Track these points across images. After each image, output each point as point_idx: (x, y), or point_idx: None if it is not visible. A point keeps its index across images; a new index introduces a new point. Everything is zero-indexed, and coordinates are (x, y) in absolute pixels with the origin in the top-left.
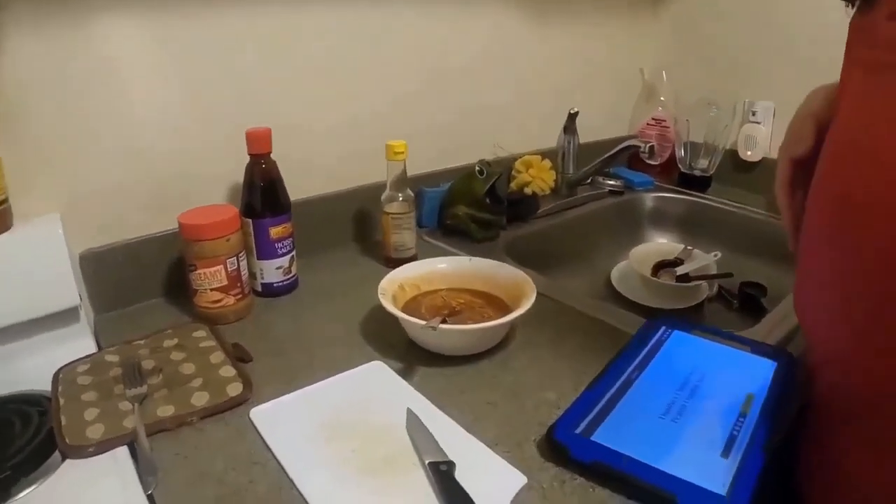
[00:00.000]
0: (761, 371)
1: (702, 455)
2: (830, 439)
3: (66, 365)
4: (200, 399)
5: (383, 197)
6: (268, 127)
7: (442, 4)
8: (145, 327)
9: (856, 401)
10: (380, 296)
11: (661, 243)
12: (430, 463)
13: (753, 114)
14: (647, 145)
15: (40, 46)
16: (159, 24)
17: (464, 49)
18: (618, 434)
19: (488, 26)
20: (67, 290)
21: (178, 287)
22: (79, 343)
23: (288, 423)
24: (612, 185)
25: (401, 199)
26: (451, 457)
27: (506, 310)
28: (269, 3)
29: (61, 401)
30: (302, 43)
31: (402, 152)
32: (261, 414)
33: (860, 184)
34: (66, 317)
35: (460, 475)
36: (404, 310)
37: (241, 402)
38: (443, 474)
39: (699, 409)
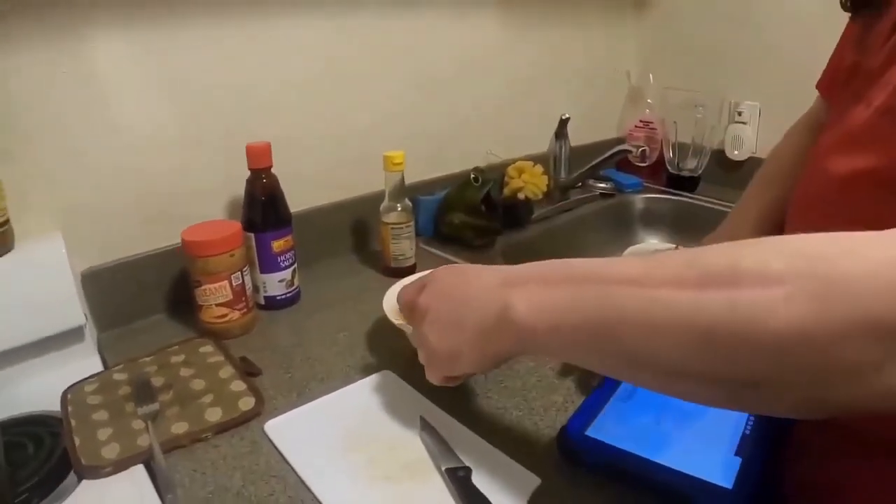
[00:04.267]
0: None
1: (714, 453)
2: (817, 440)
3: (73, 385)
4: (213, 415)
5: (382, 207)
6: (267, 141)
7: (431, 16)
8: (150, 344)
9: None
10: (385, 310)
11: (654, 244)
12: (447, 469)
13: (739, 114)
14: (640, 149)
15: (35, 65)
16: (152, 42)
17: (454, 58)
18: (627, 433)
19: (476, 35)
20: (72, 309)
21: (180, 303)
22: (85, 362)
23: (303, 435)
24: (602, 188)
25: (399, 209)
26: (466, 462)
27: None
28: (260, 18)
29: (73, 421)
30: (294, 56)
31: (400, 163)
32: (275, 427)
33: None
34: (71, 336)
35: (476, 479)
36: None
37: (254, 416)
38: (461, 480)
39: (708, 409)
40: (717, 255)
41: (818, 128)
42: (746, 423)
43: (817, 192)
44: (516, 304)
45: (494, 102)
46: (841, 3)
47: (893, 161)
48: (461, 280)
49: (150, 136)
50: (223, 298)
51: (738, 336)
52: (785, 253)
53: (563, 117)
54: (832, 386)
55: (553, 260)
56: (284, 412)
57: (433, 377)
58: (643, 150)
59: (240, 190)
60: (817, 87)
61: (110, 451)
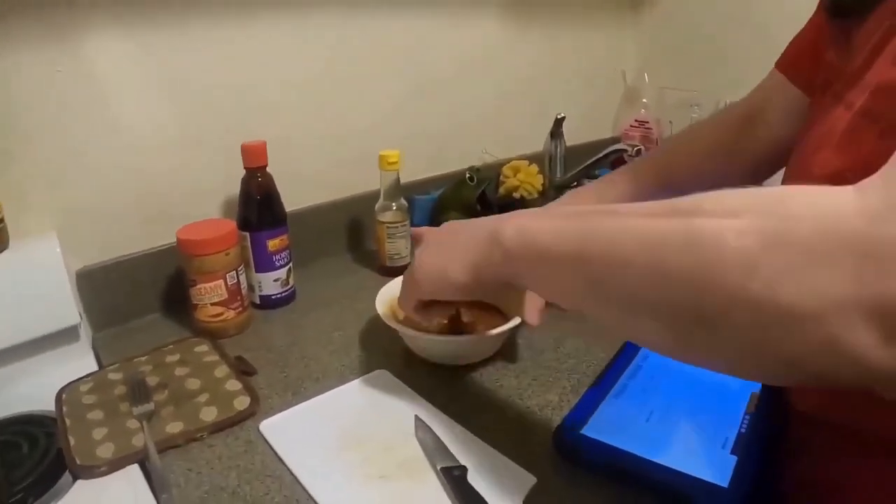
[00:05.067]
0: None
1: (710, 451)
2: (816, 438)
3: (68, 384)
4: (209, 414)
5: (377, 206)
6: (263, 140)
7: (428, 16)
8: (145, 343)
9: (839, 401)
10: (379, 311)
11: None
12: (442, 468)
13: None
14: (635, 149)
15: (34, 65)
16: (151, 42)
17: (449, 58)
18: (623, 431)
19: (471, 35)
20: (67, 308)
21: (174, 302)
22: (79, 362)
23: (298, 434)
24: None
25: (395, 208)
26: (462, 461)
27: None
28: (258, 18)
29: (68, 421)
30: (292, 57)
31: (396, 162)
32: (271, 426)
33: None
34: (65, 336)
35: (472, 479)
36: (405, 322)
37: (250, 416)
38: (457, 479)
39: (704, 406)
40: (688, 196)
41: (740, 127)
42: (742, 421)
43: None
44: (506, 229)
45: (490, 102)
46: (826, 7)
47: (870, 162)
48: (466, 222)
49: (149, 135)
50: (218, 298)
51: (689, 262)
52: (747, 193)
53: (559, 116)
54: (781, 331)
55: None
56: (280, 412)
57: (408, 301)
58: (639, 150)
59: (237, 190)
60: (776, 66)
61: (105, 451)
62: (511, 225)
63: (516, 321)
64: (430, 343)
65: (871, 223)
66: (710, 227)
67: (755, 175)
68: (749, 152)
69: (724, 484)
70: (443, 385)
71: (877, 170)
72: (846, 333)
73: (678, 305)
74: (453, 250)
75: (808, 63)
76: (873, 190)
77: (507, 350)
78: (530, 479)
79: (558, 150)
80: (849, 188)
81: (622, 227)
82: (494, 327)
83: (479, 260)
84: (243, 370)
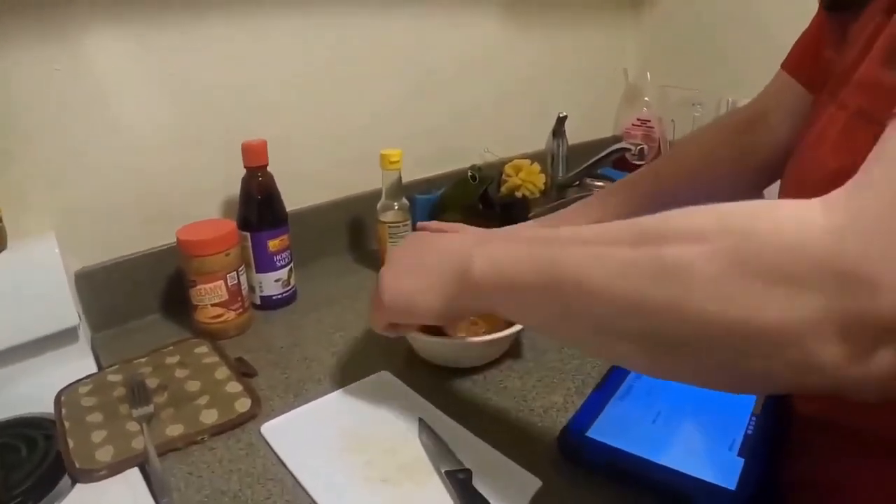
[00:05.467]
0: None
1: (716, 454)
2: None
3: (67, 386)
4: (209, 416)
5: (379, 206)
6: (263, 139)
7: (429, 15)
8: (145, 345)
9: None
10: None
11: None
12: (446, 472)
13: None
14: (637, 148)
15: (30, 64)
16: (149, 40)
17: (451, 56)
18: (629, 433)
19: (473, 34)
20: (66, 309)
21: (174, 303)
22: (79, 363)
23: (300, 437)
24: (599, 187)
25: (396, 207)
26: (466, 464)
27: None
28: (257, 17)
29: (67, 424)
30: (292, 55)
31: (397, 161)
32: (272, 429)
33: None
34: (64, 337)
35: (477, 482)
36: None
37: (251, 418)
38: (461, 482)
39: (710, 407)
40: (654, 217)
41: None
42: (748, 423)
43: (805, 187)
44: (475, 262)
45: (492, 101)
46: (822, 1)
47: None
48: (433, 237)
49: (149, 135)
50: (218, 298)
51: (660, 292)
52: (715, 212)
53: (561, 115)
54: (757, 351)
55: (526, 224)
56: (281, 414)
57: (378, 322)
58: (641, 149)
59: (237, 189)
60: (782, 66)
61: (105, 454)
62: (481, 257)
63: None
64: (436, 346)
65: (837, 243)
66: (678, 255)
67: (762, 178)
68: (757, 155)
69: (732, 486)
70: (445, 386)
71: None
72: (817, 351)
73: (652, 332)
74: (420, 277)
75: (810, 62)
76: (837, 207)
77: (511, 348)
78: (536, 483)
79: (560, 148)
80: (815, 203)
81: (592, 257)
82: (500, 330)
83: (449, 292)
84: (244, 372)
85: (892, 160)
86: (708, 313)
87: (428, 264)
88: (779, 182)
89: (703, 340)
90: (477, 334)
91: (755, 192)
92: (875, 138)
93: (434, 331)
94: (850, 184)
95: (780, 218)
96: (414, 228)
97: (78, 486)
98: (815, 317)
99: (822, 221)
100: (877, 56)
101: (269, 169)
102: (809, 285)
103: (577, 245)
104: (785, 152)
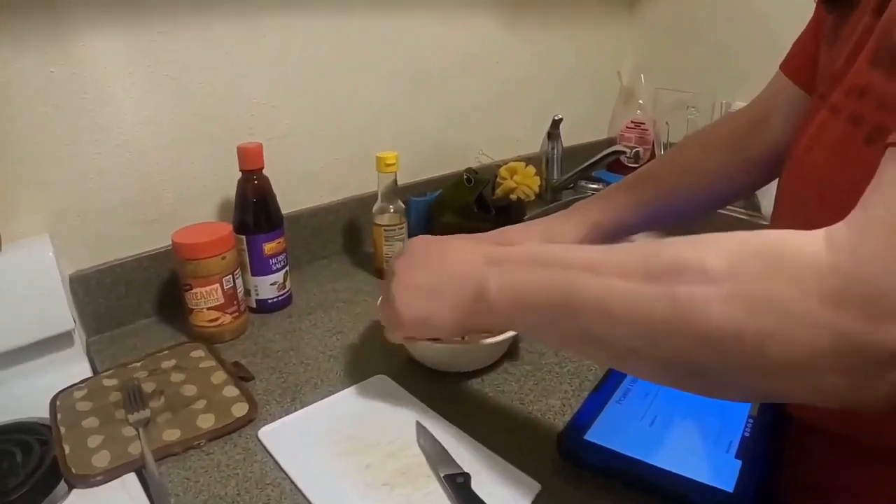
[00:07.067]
0: None
1: (714, 456)
2: (815, 444)
3: (62, 391)
4: (206, 421)
5: (374, 209)
6: (259, 142)
7: (425, 16)
8: (140, 349)
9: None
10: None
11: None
12: (445, 476)
13: None
14: (632, 151)
15: (25, 66)
16: (143, 42)
17: (446, 59)
18: (627, 436)
19: (469, 37)
20: (61, 313)
21: (169, 306)
22: (74, 367)
23: (298, 441)
24: (594, 189)
25: (392, 210)
26: (465, 468)
27: None
28: (253, 18)
29: (62, 429)
30: (286, 57)
31: (393, 164)
32: (269, 434)
33: None
34: (59, 341)
35: (476, 486)
36: None
37: (248, 423)
38: (460, 486)
39: (707, 409)
40: (666, 250)
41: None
42: (746, 425)
43: (801, 190)
44: (490, 285)
45: (487, 103)
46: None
47: (858, 168)
48: (439, 249)
49: (143, 137)
50: (214, 302)
51: (679, 330)
52: (725, 250)
53: (556, 118)
54: (772, 380)
55: (532, 244)
56: (278, 418)
57: (394, 338)
58: (636, 152)
59: (233, 192)
60: (780, 67)
61: (101, 460)
62: (496, 279)
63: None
64: (433, 351)
65: (843, 278)
66: (692, 295)
67: (760, 179)
68: (756, 156)
69: (729, 488)
70: (443, 390)
71: (865, 179)
72: (823, 381)
73: (669, 360)
74: (435, 300)
75: (807, 63)
76: (840, 244)
77: (508, 352)
78: (535, 486)
79: (555, 151)
80: (820, 238)
81: (605, 288)
82: (497, 334)
83: (465, 311)
84: (240, 376)
85: (890, 195)
86: (724, 350)
87: (442, 284)
88: (776, 182)
89: (719, 371)
90: (475, 338)
91: (753, 192)
92: (866, 143)
93: None
94: (851, 218)
95: (787, 255)
96: (409, 231)
97: (74, 491)
98: (820, 351)
99: (829, 258)
100: (866, 57)
101: (264, 172)
102: (819, 324)
103: (587, 272)
104: (783, 153)
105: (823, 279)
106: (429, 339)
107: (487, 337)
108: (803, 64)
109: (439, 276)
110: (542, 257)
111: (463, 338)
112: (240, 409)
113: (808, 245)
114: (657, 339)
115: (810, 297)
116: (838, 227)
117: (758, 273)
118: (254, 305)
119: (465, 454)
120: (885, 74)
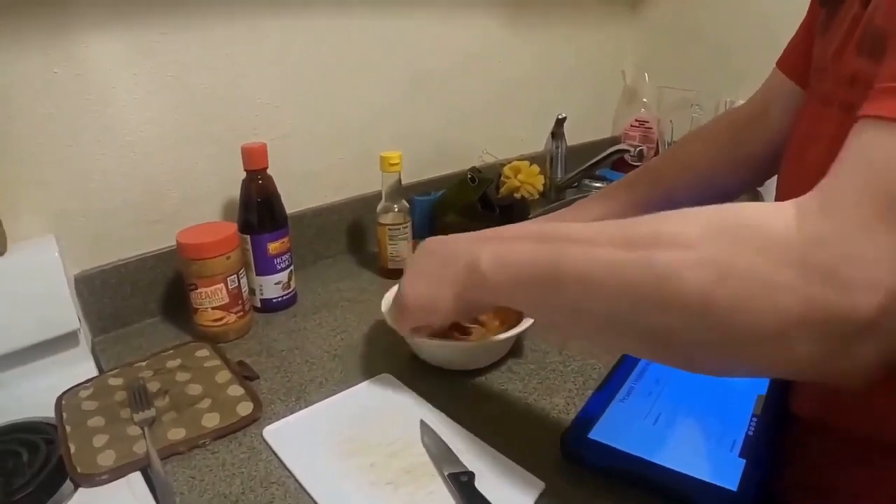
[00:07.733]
0: None
1: (718, 455)
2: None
3: (68, 390)
4: (211, 420)
5: (378, 208)
6: (263, 142)
7: (428, 16)
8: (145, 348)
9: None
10: (384, 313)
11: None
12: (450, 474)
13: None
14: (636, 149)
15: (29, 67)
16: (147, 42)
17: (449, 59)
18: (630, 435)
19: (473, 35)
20: (66, 313)
21: (174, 306)
22: (79, 367)
23: (302, 440)
24: (598, 188)
25: (396, 210)
26: (469, 467)
27: (511, 318)
28: (256, 19)
29: (68, 428)
30: (289, 56)
31: (397, 163)
32: (274, 433)
33: None
34: (65, 341)
35: (480, 484)
36: None
37: (253, 422)
38: (464, 485)
39: (711, 408)
40: (648, 220)
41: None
42: (749, 424)
43: (799, 181)
44: (482, 257)
45: (491, 102)
46: None
47: None
48: (444, 243)
49: (148, 138)
50: (219, 302)
51: (653, 295)
52: (701, 219)
53: (560, 117)
54: (745, 349)
55: (525, 223)
56: (283, 417)
57: (402, 326)
58: (640, 151)
59: (237, 192)
60: (777, 63)
61: (106, 459)
62: (487, 252)
63: (525, 325)
64: (437, 349)
65: (812, 246)
66: (667, 261)
67: (760, 174)
68: (755, 152)
69: (733, 487)
70: (447, 388)
71: None
72: (795, 349)
73: (645, 329)
74: (436, 280)
75: (802, 59)
76: (809, 213)
77: (512, 350)
78: (539, 485)
79: (559, 150)
80: (790, 208)
81: (591, 257)
82: (502, 332)
83: (460, 289)
84: (245, 375)
85: (857, 164)
86: (695, 316)
87: (440, 266)
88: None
89: (693, 338)
90: (485, 335)
91: (754, 187)
92: None
93: (439, 333)
94: (819, 187)
95: (762, 225)
96: (413, 230)
97: (80, 490)
98: (790, 319)
99: (799, 226)
100: (854, 46)
101: (268, 171)
102: (789, 289)
103: (577, 244)
104: (781, 147)
105: (792, 246)
106: (433, 338)
107: (498, 328)
108: (798, 60)
109: (440, 261)
110: (532, 232)
111: (467, 336)
112: (244, 408)
113: (778, 213)
114: (633, 306)
115: (780, 263)
116: (807, 197)
117: (729, 240)
118: (258, 305)
119: (469, 453)
120: (871, 59)
